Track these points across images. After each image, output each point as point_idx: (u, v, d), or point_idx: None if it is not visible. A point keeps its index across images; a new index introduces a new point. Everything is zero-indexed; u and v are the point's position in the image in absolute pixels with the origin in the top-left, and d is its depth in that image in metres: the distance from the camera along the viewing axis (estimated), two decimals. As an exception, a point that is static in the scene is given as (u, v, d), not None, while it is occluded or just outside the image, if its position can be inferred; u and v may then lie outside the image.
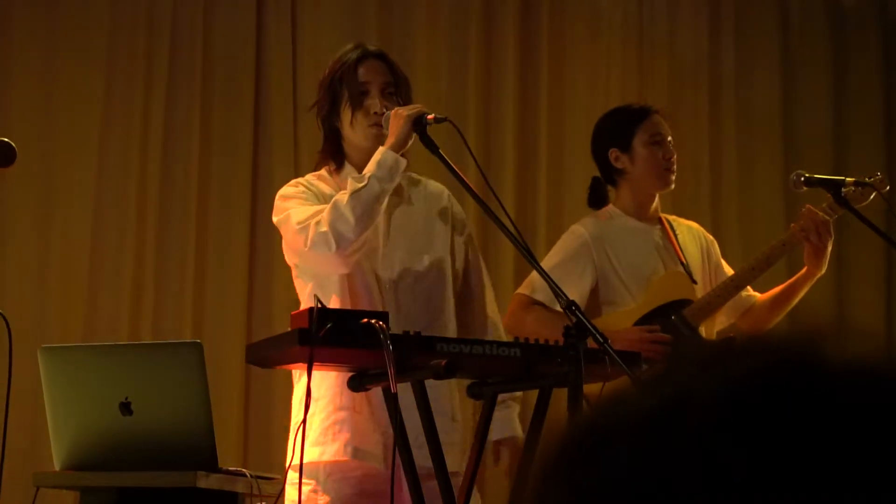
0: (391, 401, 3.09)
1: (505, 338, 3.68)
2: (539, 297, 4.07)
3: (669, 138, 4.28)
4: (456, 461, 3.44)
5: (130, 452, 3.20)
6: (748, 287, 4.28)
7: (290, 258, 3.63)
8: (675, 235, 4.31)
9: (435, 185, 3.79)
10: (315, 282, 3.56)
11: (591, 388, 3.23)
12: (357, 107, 3.60)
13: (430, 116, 3.46)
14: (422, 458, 3.20)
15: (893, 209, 4.32)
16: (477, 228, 5.75)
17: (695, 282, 4.24)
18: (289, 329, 3.13)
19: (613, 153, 4.27)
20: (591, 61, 6.14)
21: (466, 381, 3.42)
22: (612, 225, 4.27)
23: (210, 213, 5.51)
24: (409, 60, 5.63)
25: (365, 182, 3.43)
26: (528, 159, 5.95)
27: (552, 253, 4.28)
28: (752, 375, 0.68)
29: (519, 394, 3.74)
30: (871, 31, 6.59)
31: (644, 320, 4.13)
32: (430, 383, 3.20)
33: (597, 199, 4.36)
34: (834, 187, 4.07)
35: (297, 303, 3.73)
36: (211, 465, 3.16)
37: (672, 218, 4.40)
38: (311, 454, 3.41)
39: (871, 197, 4.15)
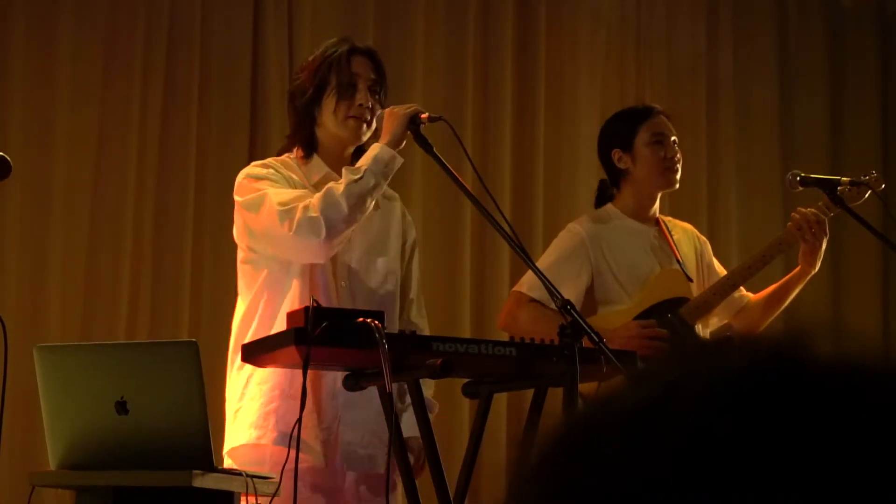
0: (386, 400, 3.10)
1: None
2: (535, 294, 4.07)
3: (673, 138, 4.28)
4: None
5: (126, 451, 3.19)
6: (741, 287, 4.29)
7: (249, 241, 3.57)
8: (671, 235, 4.31)
9: (389, 191, 3.75)
10: (272, 270, 3.53)
11: (587, 387, 3.23)
12: (343, 96, 3.59)
13: (424, 115, 3.46)
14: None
15: (888, 208, 4.33)
16: (474, 227, 5.77)
17: (690, 280, 4.25)
18: (284, 328, 3.13)
19: (616, 154, 4.28)
20: (589, 61, 6.14)
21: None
22: (609, 224, 4.27)
23: (207, 213, 5.51)
24: (407, 61, 5.64)
25: (360, 175, 3.43)
26: (524, 159, 5.96)
27: (548, 252, 4.28)
28: (738, 372, 0.69)
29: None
30: (868, 31, 6.60)
31: (640, 318, 4.14)
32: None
33: (603, 201, 4.37)
34: (829, 187, 4.08)
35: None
36: (206, 465, 3.16)
37: (668, 219, 4.41)
38: (249, 436, 3.46)
39: (867, 195, 4.16)
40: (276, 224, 3.44)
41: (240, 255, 3.66)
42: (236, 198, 3.58)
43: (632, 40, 6.26)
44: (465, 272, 5.76)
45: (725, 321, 4.37)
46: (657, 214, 4.34)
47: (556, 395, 3.22)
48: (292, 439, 3.18)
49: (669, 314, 4.15)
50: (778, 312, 4.31)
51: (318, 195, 3.44)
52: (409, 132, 3.46)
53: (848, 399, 0.66)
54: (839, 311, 6.21)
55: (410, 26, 5.85)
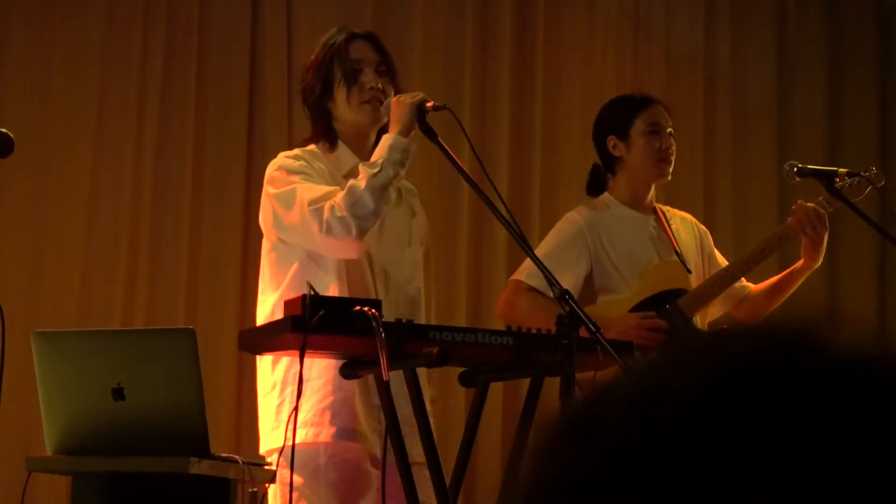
0: (383, 388, 3.10)
1: None
2: (534, 282, 4.07)
3: (669, 129, 4.29)
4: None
5: (123, 438, 3.20)
6: (742, 278, 4.30)
7: (279, 233, 3.54)
8: (670, 225, 4.31)
9: (407, 183, 3.75)
10: (303, 264, 3.52)
11: (583, 377, 3.24)
12: (352, 83, 3.59)
13: (429, 104, 3.46)
14: (412, 449, 3.21)
15: (888, 204, 4.34)
16: (472, 215, 5.77)
17: (689, 271, 4.25)
18: (282, 316, 3.13)
19: (612, 140, 4.28)
20: (587, 50, 6.14)
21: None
22: (607, 213, 4.27)
23: (204, 199, 5.51)
24: (406, 51, 5.63)
25: (379, 168, 3.42)
26: (522, 147, 5.96)
27: (547, 240, 4.28)
28: (740, 360, 0.69)
29: None
30: (866, 22, 6.60)
31: (638, 308, 4.14)
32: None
33: (595, 185, 4.37)
34: (827, 178, 4.09)
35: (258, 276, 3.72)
36: (203, 451, 3.16)
37: (666, 208, 4.40)
38: (304, 434, 3.42)
39: (867, 191, 4.16)
40: (307, 223, 3.43)
41: (266, 244, 3.62)
42: (269, 188, 3.55)
43: (629, 31, 6.25)
44: (462, 261, 5.76)
45: (726, 311, 4.37)
46: (654, 203, 4.34)
47: (552, 385, 3.22)
48: (353, 433, 3.31)
49: (668, 305, 4.15)
50: (778, 304, 4.31)
51: (341, 193, 3.42)
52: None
53: (853, 389, 0.66)
54: (835, 303, 6.21)
55: (409, 17, 5.85)
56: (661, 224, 4.31)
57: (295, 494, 3.23)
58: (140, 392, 3.20)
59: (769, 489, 0.64)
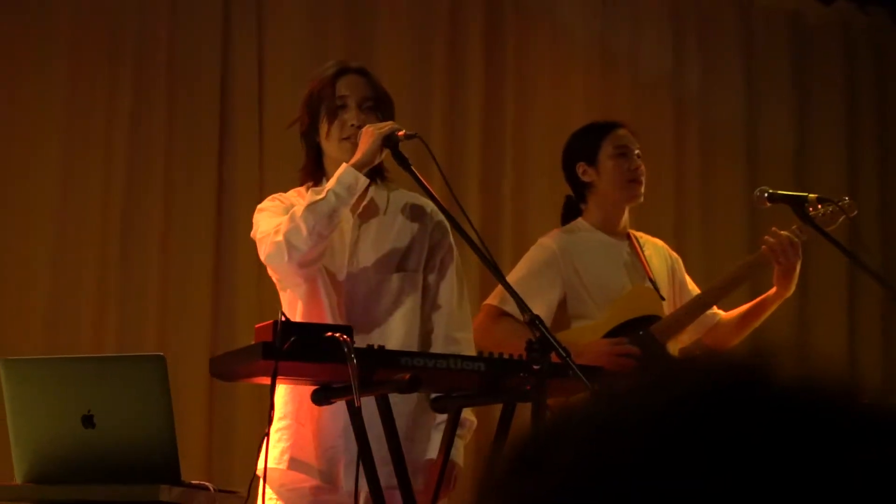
0: (355, 415, 3.09)
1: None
2: (508, 308, 4.07)
3: (637, 151, 4.32)
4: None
5: (93, 466, 3.18)
6: (714, 306, 4.31)
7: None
8: (643, 251, 4.33)
9: (421, 200, 3.72)
10: (291, 291, 3.59)
11: (555, 402, 3.24)
12: (332, 119, 3.60)
13: (400, 133, 3.47)
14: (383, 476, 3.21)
15: (860, 234, 4.36)
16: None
17: (662, 298, 4.26)
18: (252, 342, 3.12)
19: (581, 167, 4.30)
20: (555, 77, 6.16)
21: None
22: (580, 238, 4.28)
23: (174, 226, 5.50)
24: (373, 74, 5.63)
25: (322, 195, 3.44)
26: (493, 173, 5.97)
27: (519, 266, 4.28)
28: (699, 389, 0.70)
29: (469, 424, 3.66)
30: (834, 49, 6.65)
31: (611, 335, 4.14)
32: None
33: (569, 216, 4.38)
34: (797, 203, 4.10)
35: (261, 315, 3.75)
36: (174, 479, 3.15)
37: (639, 234, 4.42)
38: (273, 459, 3.45)
39: (840, 220, 4.19)
40: (260, 252, 3.54)
41: (276, 284, 3.71)
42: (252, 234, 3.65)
43: (598, 58, 6.28)
44: (433, 287, 5.75)
45: (696, 339, 4.38)
46: (628, 229, 4.35)
47: (525, 410, 3.22)
48: (311, 460, 3.33)
49: (640, 332, 4.16)
50: (749, 332, 4.32)
51: (284, 219, 3.47)
52: (387, 150, 3.47)
53: (803, 419, 0.67)
54: (805, 333, 6.24)
55: (377, 41, 5.86)
56: (635, 250, 4.32)
57: None
58: (110, 419, 3.18)
59: None
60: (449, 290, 3.70)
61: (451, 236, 3.72)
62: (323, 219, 3.42)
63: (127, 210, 5.43)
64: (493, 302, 4.17)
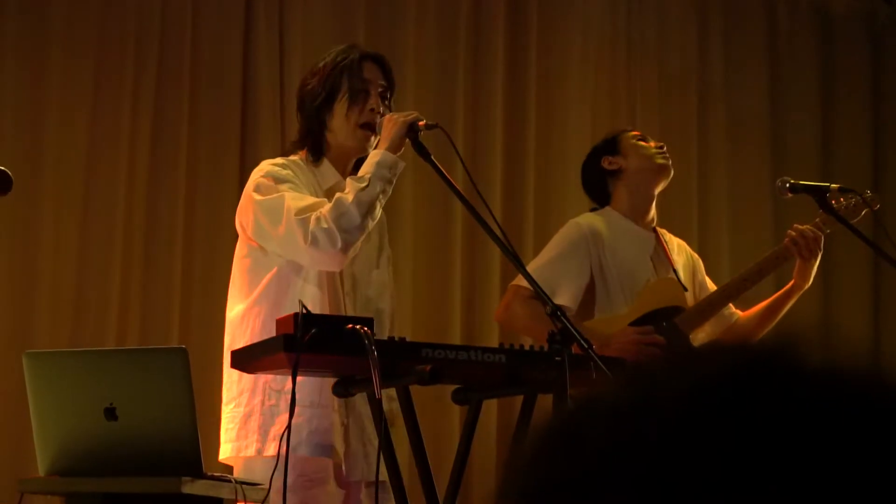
0: (376, 406, 3.09)
1: None
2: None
3: (653, 141, 4.36)
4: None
5: (115, 458, 3.19)
6: (730, 304, 4.31)
7: (261, 241, 3.53)
8: (668, 246, 4.33)
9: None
10: (281, 272, 3.51)
11: (577, 393, 3.23)
12: (355, 102, 3.59)
13: (421, 123, 3.47)
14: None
15: (884, 226, 4.34)
16: (465, 231, 5.77)
17: (685, 289, 4.26)
18: (274, 335, 3.13)
19: (606, 160, 4.31)
20: (580, 71, 6.15)
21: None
22: (610, 224, 4.27)
23: (197, 219, 5.51)
24: (398, 65, 5.62)
25: (367, 183, 3.43)
26: (516, 165, 5.96)
27: (550, 246, 4.26)
28: (725, 372, 0.69)
29: None
30: (859, 39, 6.61)
31: (636, 325, 4.13)
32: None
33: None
34: (819, 193, 4.09)
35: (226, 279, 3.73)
36: (196, 471, 3.16)
37: (664, 232, 4.42)
38: (271, 448, 3.42)
39: (863, 213, 4.19)
40: (292, 232, 3.43)
41: (240, 249, 3.63)
42: (254, 195, 3.53)
43: (623, 50, 6.26)
44: (456, 277, 5.76)
45: (715, 337, 4.36)
46: (655, 223, 4.34)
47: (546, 401, 3.22)
48: (327, 450, 3.34)
49: (664, 323, 4.15)
50: (770, 327, 4.31)
51: (328, 206, 3.43)
52: (407, 139, 3.47)
53: (832, 404, 0.67)
54: (829, 324, 6.21)
55: (402, 30, 5.86)
56: (661, 243, 4.32)
57: None
58: (133, 412, 3.19)
59: (745, 497, 0.65)
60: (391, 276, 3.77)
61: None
62: (372, 206, 3.42)
63: (151, 203, 5.44)
64: (519, 283, 4.12)
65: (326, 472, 3.50)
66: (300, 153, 3.65)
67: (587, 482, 0.68)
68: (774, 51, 6.49)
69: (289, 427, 3.15)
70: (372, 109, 3.58)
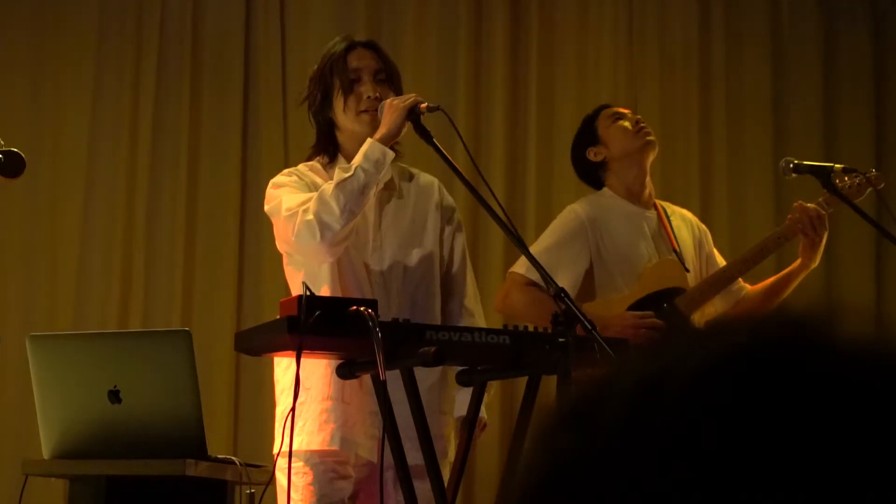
0: (380, 388, 3.09)
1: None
2: (533, 276, 4.04)
3: (628, 112, 4.33)
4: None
5: (119, 440, 3.19)
6: (739, 278, 4.29)
7: (280, 246, 3.62)
8: (670, 222, 4.31)
9: (426, 178, 3.77)
10: (306, 270, 3.55)
11: (580, 375, 3.23)
12: (349, 92, 3.60)
13: (423, 106, 3.46)
14: (411, 453, 3.20)
15: (887, 205, 4.33)
16: (467, 214, 5.76)
17: (687, 270, 4.24)
18: (278, 317, 3.12)
19: (590, 152, 4.30)
20: (581, 51, 6.13)
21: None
22: (607, 208, 4.26)
23: (199, 202, 5.51)
24: (399, 50, 5.63)
25: (351, 172, 3.43)
26: (517, 147, 5.95)
27: (547, 233, 4.26)
28: (738, 351, 0.68)
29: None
30: (861, 21, 6.59)
31: (636, 307, 4.13)
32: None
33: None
34: (823, 174, 4.08)
35: (287, 290, 3.72)
36: (200, 453, 3.16)
37: (666, 205, 4.40)
38: (299, 443, 3.40)
39: (867, 192, 4.17)
40: (286, 230, 3.47)
41: (284, 259, 3.67)
42: (264, 206, 3.61)
43: (624, 29, 6.24)
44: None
45: (723, 311, 4.36)
46: (654, 198, 4.33)
47: (550, 383, 3.21)
48: (347, 443, 3.33)
49: (665, 304, 4.14)
50: (777, 304, 4.30)
51: (314, 197, 3.44)
52: (409, 122, 3.46)
53: (853, 380, 0.66)
54: (833, 301, 6.21)
55: (402, 19, 5.85)
56: (661, 220, 4.30)
57: (286, 498, 3.22)
58: (136, 394, 3.19)
59: (765, 478, 0.64)
60: (462, 264, 3.75)
61: (457, 213, 3.81)
62: (354, 196, 3.41)
63: (153, 188, 5.45)
64: (519, 270, 4.14)
65: (345, 466, 3.49)
66: (317, 158, 3.67)
67: (603, 460, 0.67)
68: (776, 29, 6.47)
69: (292, 414, 3.15)
70: (368, 97, 3.57)
